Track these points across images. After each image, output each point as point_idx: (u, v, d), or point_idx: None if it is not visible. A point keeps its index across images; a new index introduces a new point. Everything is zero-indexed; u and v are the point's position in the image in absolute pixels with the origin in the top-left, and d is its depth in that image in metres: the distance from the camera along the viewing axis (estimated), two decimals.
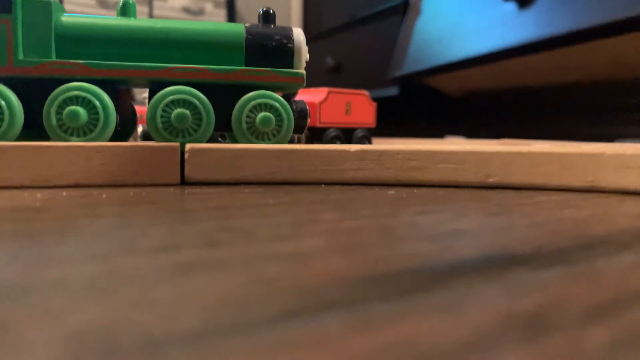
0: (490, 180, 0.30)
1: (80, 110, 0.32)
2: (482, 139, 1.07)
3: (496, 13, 1.12)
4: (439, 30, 1.28)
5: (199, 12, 2.03)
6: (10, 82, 0.32)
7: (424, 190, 0.30)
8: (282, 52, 0.34)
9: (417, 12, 1.38)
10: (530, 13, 1.05)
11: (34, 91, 0.33)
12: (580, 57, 0.99)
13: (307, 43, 0.36)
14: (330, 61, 1.63)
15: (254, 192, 0.28)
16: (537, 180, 0.30)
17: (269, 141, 0.34)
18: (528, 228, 0.19)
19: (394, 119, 1.44)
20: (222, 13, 2.08)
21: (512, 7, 1.07)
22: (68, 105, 0.32)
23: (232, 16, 2.08)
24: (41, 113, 0.32)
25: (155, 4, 1.96)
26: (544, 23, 1.01)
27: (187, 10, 2.01)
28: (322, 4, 1.86)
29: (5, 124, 0.31)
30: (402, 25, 1.38)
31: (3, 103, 0.31)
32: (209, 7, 2.06)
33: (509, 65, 1.11)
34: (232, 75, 0.34)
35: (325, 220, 0.20)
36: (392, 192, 0.29)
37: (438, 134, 1.33)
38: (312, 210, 0.22)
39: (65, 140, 0.32)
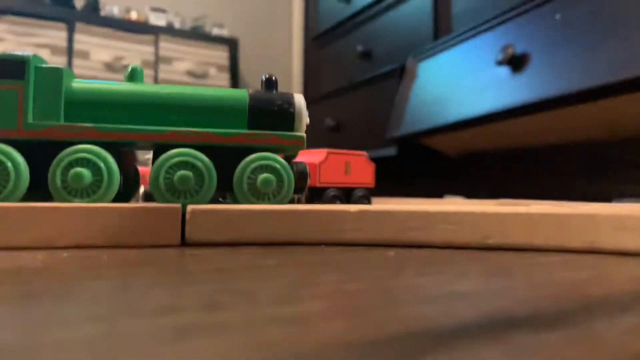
0: (489, 241, 0.31)
1: (85, 172, 0.32)
2: (481, 198, 1.07)
3: (490, 76, 1.16)
4: (435, 93, 1.32)
5: (203, 76, 2.10)
6: (18, 144, 0.33)
7: (423, 251, 0.30)
8: (284, 116, 0.35)
9: (413, 76, 1.43)
10: (523, 76, 1.09)
11: (40, 153, 0.33)
12: (574, 118, 1.01)
13: (308, 105, 0.37)
14: (330, 122, 1.67)
15: (254, 253, 0.28)
16: (536, 241, 0.30)
17: (270, 202, 0.35)
18: (528, 290, 0.19)
19: (394, 178, 1.46)
20: (225, 77, 2.16)
21: (505, 70, 1.11)
22: (73, 167, 0.33)
23: (235, 79, 2.15)
24: (46, 174, 0.33)
25: (161, 67, 2.03)
26: (537, 86, 1.04)
27: (191, 73, 2.08)
28: (321, 69, 1.93)
29: (10, 185, 0.32)
30: (399, 88, 1.43)
31: (10, 165, 0.32)
32: (212, 71, 2.14)
33: (505, 126, 1.13)
34: (235, 138, 0.35)
35: (326, 282, 0.20)
36: (392, 253, 0.29)
37: (437, 193, 1.34)
38: (313, 273, 0.23)
39: (69, 201, 0.32)
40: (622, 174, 0.96)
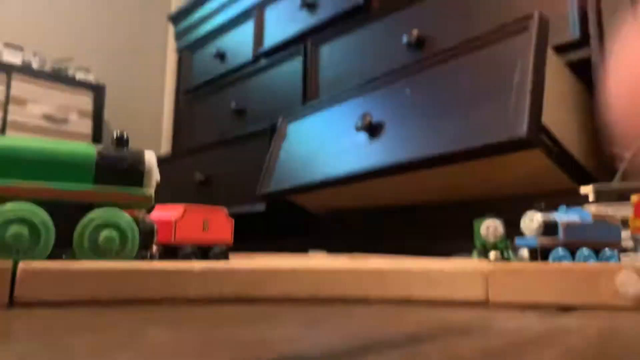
0: (321, 294, 0.34)
1: None
2: (342, 253, 1.13)
3: (350, 141, 1.26)
4: (303, 153, 1.40)
5: (62, 121, 1.97)
6: None
7: (255, 306, 0.32)
8: (132, 173, 0.36)
9: (283, 135, 1.50)
10: (378, 143, 1.20)
11: None
12: (422, 181, 1.14)
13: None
14: (200, 176, 1.66)
15: (88, 312, 0.28)
16: (359, 292, 0.34)
17: (112, 259, 0.35)
18: (331, 333, 0.22)
19: (263, 235, 1.48)
20: (88, 123, 2.05)
21: (363, 136, 1.21)
22: None
23: (98, 127, 2.05)
24: None
25: (13, 108, 1.86)
26: (390, 152, 1.16)
27: (49, 118, 1.94)
28: (194, 122, 1.93)
29: None
30: (270, 147, 1.48)
31: None
32: (73, 116, 2.02)
33: (364, 186, 1.23)
34: (78, 194, 0.34)
35: (148, 336, 0.21)
36: (231, 308, 0.31)
37: (304, 249, 1.38)
38: (139, 328, 0.23)
39: None
40: (463, 231, 1.08)
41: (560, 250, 0.53)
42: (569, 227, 0.54)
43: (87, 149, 0.36)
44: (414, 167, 1.13)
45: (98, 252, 0.34)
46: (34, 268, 0.30)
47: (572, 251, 0.53)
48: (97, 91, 2.07)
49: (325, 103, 1.37)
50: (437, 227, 1.19)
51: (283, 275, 0.33)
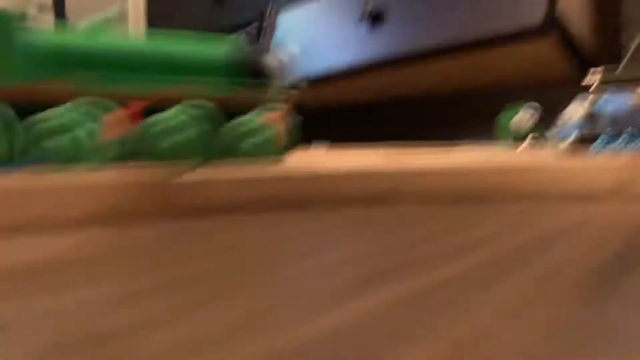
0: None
1: None
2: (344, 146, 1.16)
3: (350, 32, 1.22)
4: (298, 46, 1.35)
5: None
6: None
7: None
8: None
9: (273, 28, 1.43)
10: (379, 33, 1.17)
11: None
12: (426, 73, 1.14)
13: None
14: None
15: None
16: None
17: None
18: None
19: None
20: (48, 18, 1.87)
21: (364, 27, 1.18)
22: None
23: (60, 22, 1.88)
24: None
25: None
26: (392, 42, 1.13)
27: None
28: (167, 15, 1.79)
29: None
30: (259, 39, 1.42)
31: None
32: (32, 11, 1.84)
33: (364, 80, 1.22)
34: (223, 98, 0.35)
35: None
36: None
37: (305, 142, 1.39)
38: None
39: None
40: (472, 122, 1.12)
41: (606, 137, 0.58)
42: (615, 115, 0.58)
43: (219, 50, 0.35)
44: (417, 60, 1.12)
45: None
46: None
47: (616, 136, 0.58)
48: None
49: None
50: (440, 117, 1.22)
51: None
